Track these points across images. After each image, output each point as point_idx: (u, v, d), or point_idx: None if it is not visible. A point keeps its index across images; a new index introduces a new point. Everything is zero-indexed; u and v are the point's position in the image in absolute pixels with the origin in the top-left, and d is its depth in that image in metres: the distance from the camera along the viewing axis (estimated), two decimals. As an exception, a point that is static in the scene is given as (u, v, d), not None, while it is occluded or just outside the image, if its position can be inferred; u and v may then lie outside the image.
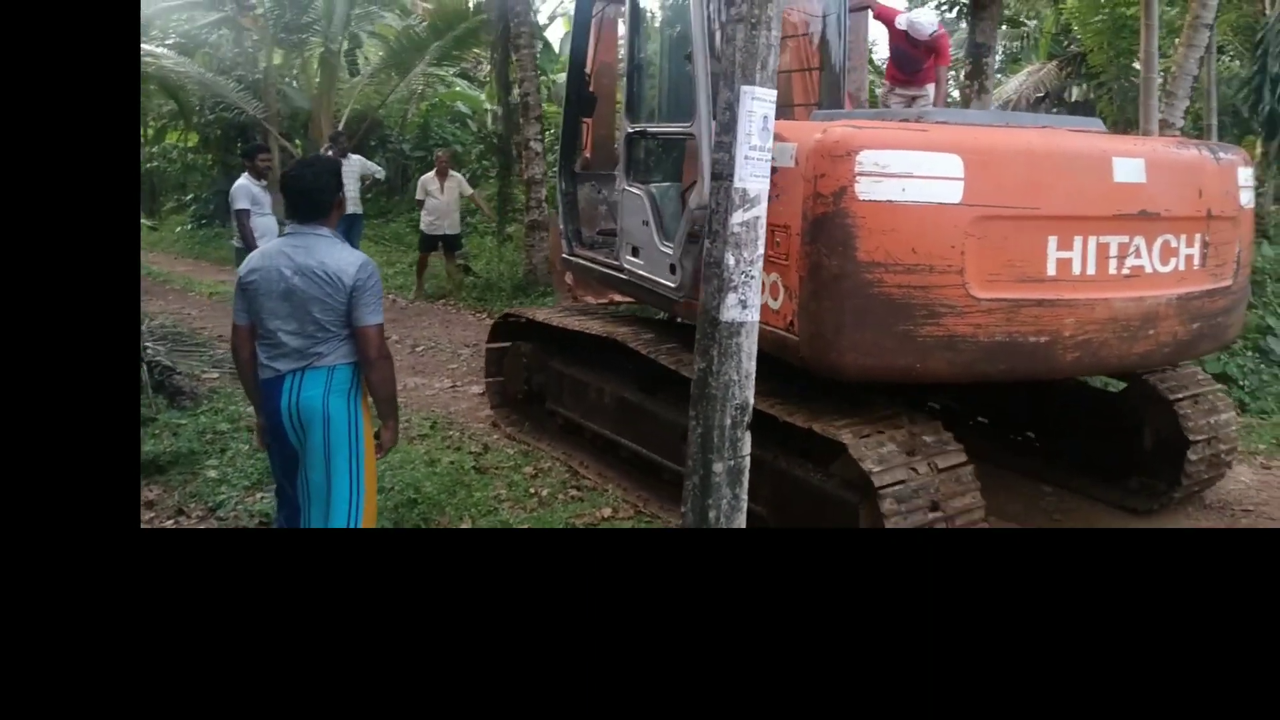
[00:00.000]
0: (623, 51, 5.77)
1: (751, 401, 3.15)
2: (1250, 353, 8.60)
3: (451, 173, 10.77)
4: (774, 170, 3.73)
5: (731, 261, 3.10)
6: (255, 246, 7.06)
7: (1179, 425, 4.50)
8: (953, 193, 3.41)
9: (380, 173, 10.63)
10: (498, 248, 12.90)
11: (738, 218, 3.10)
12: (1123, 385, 5.04)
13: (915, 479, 3.55)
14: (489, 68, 17.75)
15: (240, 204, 7.15)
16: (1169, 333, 3.92)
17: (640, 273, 4.76)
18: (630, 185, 4.91)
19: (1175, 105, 9.39)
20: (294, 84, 16.33)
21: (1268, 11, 13.96)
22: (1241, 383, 8.11)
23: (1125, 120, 15.56)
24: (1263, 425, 6.90)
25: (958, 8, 13.60)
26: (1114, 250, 3.67)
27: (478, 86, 18.86)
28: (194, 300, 11.07)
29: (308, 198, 3.12)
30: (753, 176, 3.10)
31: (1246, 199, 4.31)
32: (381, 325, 3.14)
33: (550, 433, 5.73)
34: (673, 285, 4.43)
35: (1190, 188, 3.95)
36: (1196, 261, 4.00)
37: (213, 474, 4.92)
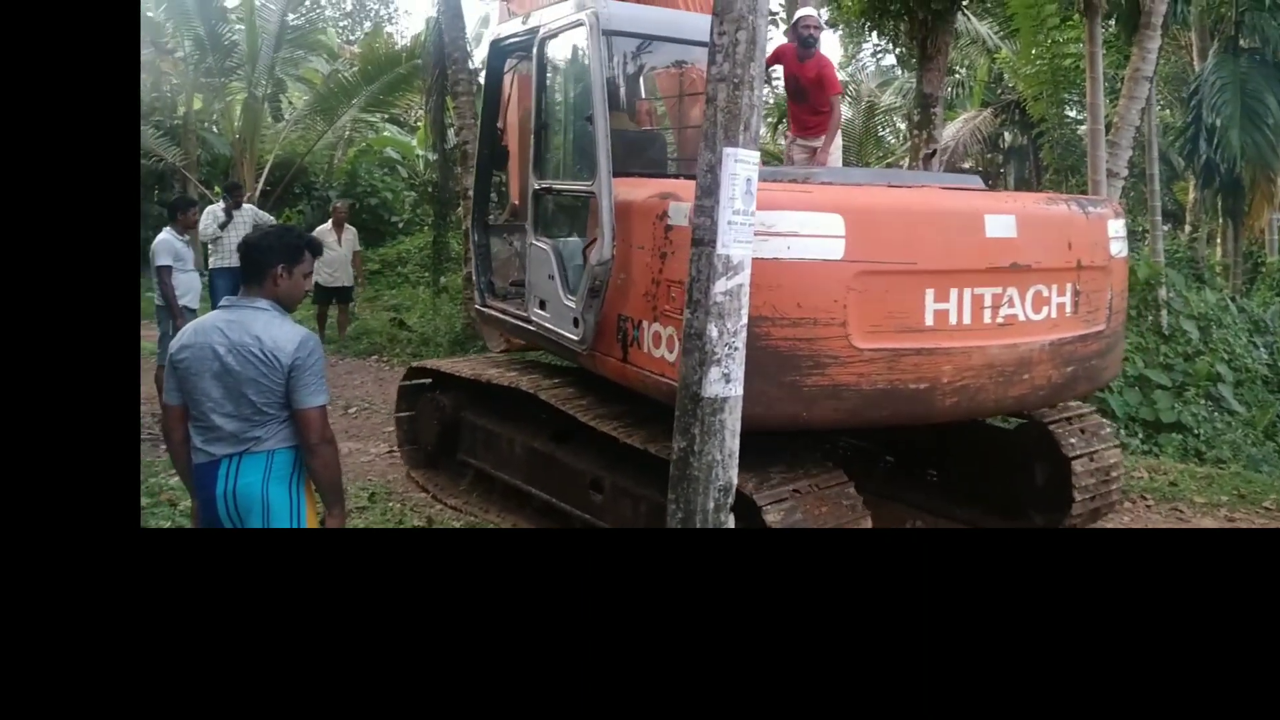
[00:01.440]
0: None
1: (735, 482, 3.04)
2: (1203, 400, 9.03)
3: (348, 225, 10.88)
4: (668, 229, 4.03)
5: (714, 333, 2.96)
6: (176, 303, 7.04)
7: (1068, 465, 4.89)
8: (835, 250, 3.71)
9: (272, 223, 10.81)
10: (432, 299, 12.91)
11: (720, 286, 2.97)
12: (1018, 423, 5.42)
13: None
14: (421, 113, 17.98)
15: (162, 259, 7.06)
16: (1044, 376, 4.25)
17: (547, 325, 5.01)
18: (538, 240, 5.17)
19: (1119, 155, 9.92)
20: (214, 129, 16.35)
21: (1196, 63, 14.95)
22: (1196, 431, 8.48)
23: (1066, 168, 16.45)
24: (1221, 475, 7.06)
25: (899, 58, 14.27)
26: (988, 301, 4.01)
27: (408, 132, 19.09)
28: (106, 356, 10.86)
29: (247, 257, 3.03)
30: (736, 243, 2.99)
31: (1117, 249, 4.67)
32: (324, 408, 3.00)
33: (497, 502, 5.71)
34: (575, 338, 4.66)
35: (1060, 241, 4.32)
36: (1068, 309, 4.35)
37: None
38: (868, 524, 4.03)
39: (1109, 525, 5.56)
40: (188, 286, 7.25)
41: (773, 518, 3.74)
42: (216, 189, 15.29)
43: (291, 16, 15.46)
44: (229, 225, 9.19)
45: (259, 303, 2.99)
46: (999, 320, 4.05)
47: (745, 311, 3.00)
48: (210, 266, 9.30)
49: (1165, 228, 14.34)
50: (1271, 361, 10.82)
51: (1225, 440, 8.48)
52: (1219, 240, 16.24)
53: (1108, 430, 5.29)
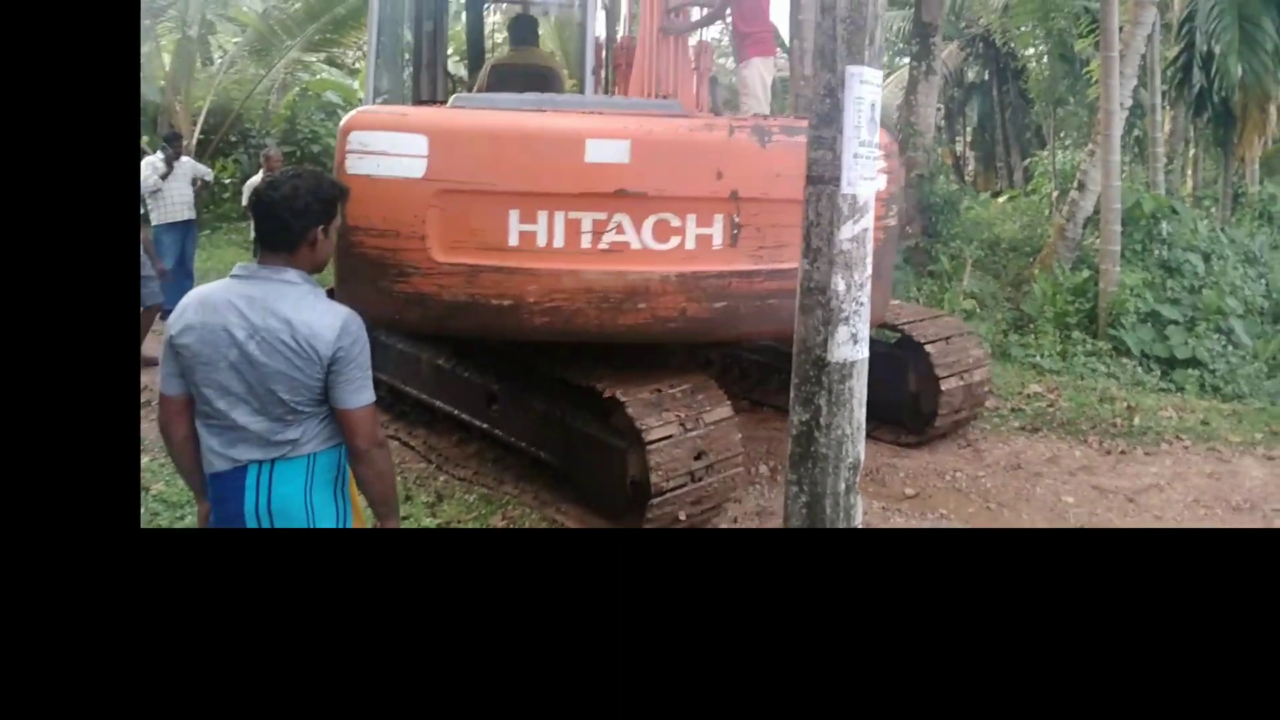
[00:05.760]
0: None
1: (863, 458, 2.94)
2: (1215, 334, 9.57)
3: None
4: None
5: (841, 286, 2.76)
6: (153, 249, 7.31)
7: (932, 367, 5.93)
8: (417, 168, 4.44)
9: (209, 174, 11.08)
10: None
11: (846, 231, 2.75)
12: (897, 338, 6.35)
13: (681, 434, 4.54)
14: (359, 54, 18.23)
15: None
16: (672, 308, 4.63)
17: None
18: None
19: (1124, 85, 10.33)
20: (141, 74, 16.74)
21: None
22: (1211, 366, 9.05)
23: (1055, 99, 16.63)
24: (1247, 411, 7.46)
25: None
26: (587, 225, 4.55)
27: (348, 74, 19.36)
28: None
29: (274, 219, 2.62)
30: (862, 179, 2.78)
31: None
32: (373, 406, 2.69)
33: (515, 471, 5.84)
34: None
35: (703, 169, 4.64)
36: (718, 242, 4.71)
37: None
38: (727, 409, 4.81)
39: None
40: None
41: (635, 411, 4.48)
42: (147, 138, 14.92)
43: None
44: (169, 177, 9.52)
45: (287, 274, 2.63)
46: (602, 246, 4.55)
47: (870, 260, 2.82)
48: (153, 223, 9.60)
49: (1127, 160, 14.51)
50: (1267, 293, 11.24)
51: (1242, 375, 8.98)
52: (1190, 172, 16.35)
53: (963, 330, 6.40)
